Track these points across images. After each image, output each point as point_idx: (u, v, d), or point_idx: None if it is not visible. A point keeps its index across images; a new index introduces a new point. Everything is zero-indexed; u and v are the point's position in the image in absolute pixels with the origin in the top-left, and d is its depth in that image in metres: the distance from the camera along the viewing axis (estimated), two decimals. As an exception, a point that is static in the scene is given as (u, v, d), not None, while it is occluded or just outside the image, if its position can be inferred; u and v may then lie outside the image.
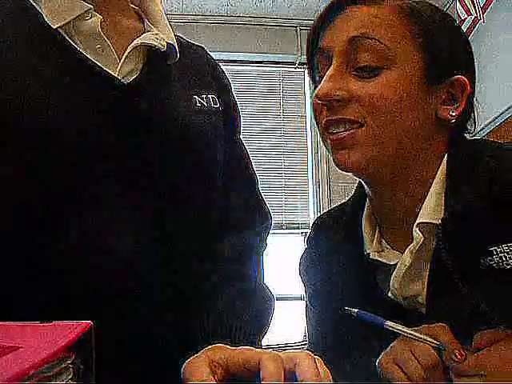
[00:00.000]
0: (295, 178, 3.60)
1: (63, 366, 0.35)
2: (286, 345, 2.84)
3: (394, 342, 0.68)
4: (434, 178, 0.72)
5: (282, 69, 3.74)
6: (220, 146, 0.76)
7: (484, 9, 2.36)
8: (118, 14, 0.72)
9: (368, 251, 0.78)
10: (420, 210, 0.71)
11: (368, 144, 0.70)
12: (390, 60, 0.70)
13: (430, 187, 0.72)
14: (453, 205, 0.67)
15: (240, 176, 0.83)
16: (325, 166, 3.56)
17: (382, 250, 0.78)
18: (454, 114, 0.72)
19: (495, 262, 0.64)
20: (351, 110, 0.70)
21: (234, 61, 3.71)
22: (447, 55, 0.72)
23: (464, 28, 2.52)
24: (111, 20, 0.70)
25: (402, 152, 0.71)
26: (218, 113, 0.77)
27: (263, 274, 0.82)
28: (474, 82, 0.75)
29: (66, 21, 0.64)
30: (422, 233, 0.70)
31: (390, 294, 0.74)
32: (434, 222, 0.69)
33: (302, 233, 3.57)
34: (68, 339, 0.35)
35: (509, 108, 2.68)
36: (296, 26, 3.66)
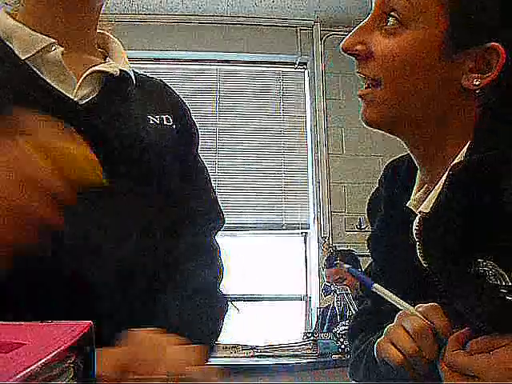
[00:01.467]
0: (295, 178, 3.60)
1: (65, 365, 0.35)
2: (287, 345, 2.84)
3: (390, 325, 0.68)
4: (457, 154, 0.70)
5: (282, 69, 3.75)
6: (172, 158, 0.85)
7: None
8: (81, 49, 0.85)
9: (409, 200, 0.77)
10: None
11: (384, 104, 0.70)
12: (415, 20, 0.68)
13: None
14: (446, 199, 0.65)
15: (195, 182, 0.92)
16: (325, 166, 3.56)
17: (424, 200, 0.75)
18: (477, 83, 0.68)
19: (477, 273, 0.62)
20: (370, 66, 0.71)
21: (234, 61, 3.71)
22: (479, 19, 0.68)
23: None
24: (75, 53, 0.82)
25: (421, 115, 0.70)
26: (172, 130, 0.87)
27: (219, 275, 0.91)
28: None
29: (32, 53, 0.77)
30: None
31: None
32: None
33: (301, 233, 3.57)
34: (70, 338, 0.35)
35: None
36: (296, 26, 3.66)
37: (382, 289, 0.67)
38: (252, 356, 2.97)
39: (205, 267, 0.86)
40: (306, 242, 3.59)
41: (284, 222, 3.51)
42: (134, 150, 0.80)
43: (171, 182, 0.84)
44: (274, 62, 3.73)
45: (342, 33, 3.68)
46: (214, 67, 3.69)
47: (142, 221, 0.79)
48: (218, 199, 0.94)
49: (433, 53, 0.68)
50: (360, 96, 0.73)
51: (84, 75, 0.79)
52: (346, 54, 0.73)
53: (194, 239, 0.86)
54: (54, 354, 0.33)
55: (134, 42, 3.57)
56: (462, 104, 0.70)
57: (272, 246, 4.00)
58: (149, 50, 3.60)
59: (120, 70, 0.84)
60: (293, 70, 3.74)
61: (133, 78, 0.88)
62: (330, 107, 3.64)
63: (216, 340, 0.83)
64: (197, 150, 0.95)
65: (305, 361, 2.26)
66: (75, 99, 0.78)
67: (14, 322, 0.40)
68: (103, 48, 0.92)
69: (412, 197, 0.77)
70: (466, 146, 0.69)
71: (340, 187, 3.53)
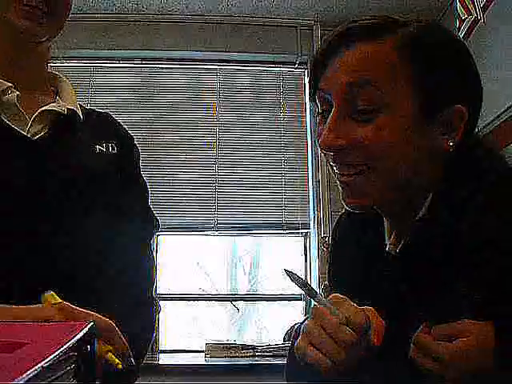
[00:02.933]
0: (295, 178, 3.59)
1: (66, 365, 0.35)
2: (286, 345, 2.84)
3: (306, 321, 0.68)
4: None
5: (282, 69, 3.74)
6: (114, 179, 0.99)
7: (484, 9, 2.36)
8: (33, 89, 0.96)
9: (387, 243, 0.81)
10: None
11: (371, 187, 0.73)
12: (386, 104, 0.71)
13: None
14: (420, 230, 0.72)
15: (133, 198, 1.04)
16: (325, 165, 3.56)
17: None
18: (451, 143, 0.73)
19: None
20: (353, 155, 0.73)
21: (234, 61, 3.71)
22: (447, 88, 0.72)
23: (464, 28, 2.52)
24: (27, 93, 0.94)
25: (404, 186, 0.74)
26: (116, 155, 1.01)
27: (151, 282, 1.08)
28: (478, 104, 0.76)
29: None
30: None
31: None
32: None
33: (301, 233, 3.57)
34: (70, 338, 0.35)
35: (508, 108, 2.69)
36: (296, 26, 3.66)
37: (322, 299, 0.68)
38: (252, 356, 2.97)
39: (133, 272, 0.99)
40: (306, 242, 3.58)
41: (284, 222, 3.51)
42: (81, 177, 0.93)
43: (113, 199, 0.97)
44: (274, 62, 3.73)
45: (342, 33, 3.68)
46: (214, 67, 3.69)
47: (85, 230, 0.91)
48: (152, 210, 1.08)
49: (408, 129, 0.71)
50: (344, 183, 0.75)
51: (34, 115, 0.91)
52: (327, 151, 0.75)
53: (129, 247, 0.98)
54: (56, 354, 0.33)
55: (135, 41, 3.57)
56: (430, 164, 0.74)
57: (272, 246, 4.00)
58: (149, 49, 3.60)
59: (67, 109, 0.96)
60: (293, 69, 3.73)
61: (80, 114, 1.00)
62: (330, 107, 3.64)
63: (147, 337, 0.97)
64: (139, 169, 1.09)
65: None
66: (28, 135, 0.91)
67: (15, 322, 0.40)
68: (54, 86, 1.03)
69: (387, 241, 0.81)
70: (430, 198, 0.74)
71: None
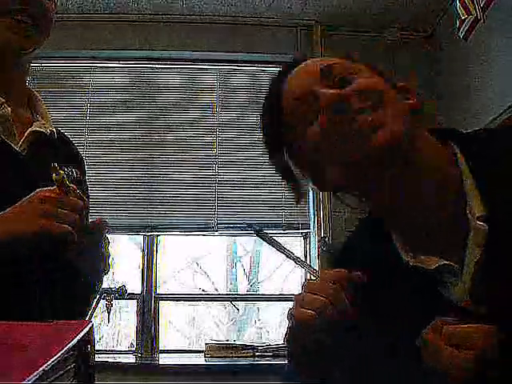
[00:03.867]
0: (295, 178, 3.59)
1: (66, 365, 0.35)
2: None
3: (295, 295, 0.75)
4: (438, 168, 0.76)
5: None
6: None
7: (484, 9, 2.36)
8: (18, 107, 1.05)
9: (407, 259, 0.78)
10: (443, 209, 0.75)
11: (390, 120, 0.73)
12: (358, 72, 0.78)
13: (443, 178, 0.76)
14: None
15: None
16: (325, 165, 3.55)
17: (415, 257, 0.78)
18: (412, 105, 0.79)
19: None
20: (359, 99, 0.74)
21: (234, 60, 3.71)
22: None
23: (464, 28, 2.52)
24: (15, 111, 1.01)
25: (409, 131, 0.75)
26: (76, 180, 1.07)
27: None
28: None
29: None
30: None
31: (457, 293, 0.74)
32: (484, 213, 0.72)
33: (301, 233, 3.57)
34: (71, 339, 0.35)
35: (508, 108, 2.69)
36: (296, 26, 3.66)
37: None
38: (252, 356, 2.97)
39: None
40: (305, 242, 3.58)
41: (284, 222, 3.51)
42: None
43: None
44: (274, 62, 3.73)
45: (342, 33, 3.68)
46: (214, 67, 3.69)
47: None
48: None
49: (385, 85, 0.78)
50: (364, 122, 0.73)
51: (26, 134, 1.00)
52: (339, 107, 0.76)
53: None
54: (57, 355, 0.33)
55: (134, 41, 3.57)
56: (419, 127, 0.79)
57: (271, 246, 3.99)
58: (149, 49, 3.60)
59: (49, 130, 1.06)
60: (293, 69, 3.73)
61: (55, 135, 1.09)
62: (329, 107, 3.63)
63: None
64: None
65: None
66: (19, 151, 0.99)
67: (15, 323, 0.40)
68: (29, 104, 1.10)
69: (403, 255, 0.79)
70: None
71: (340, 187, 3.53)
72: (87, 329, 0.40)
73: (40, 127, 1.04)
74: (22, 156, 0.99)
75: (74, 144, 1.20)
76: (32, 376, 0.29)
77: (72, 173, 1.07)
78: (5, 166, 0.95)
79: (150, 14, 3.54)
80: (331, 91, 0.74)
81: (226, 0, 3.46)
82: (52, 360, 0.32)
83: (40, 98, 1.13)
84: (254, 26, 3.66)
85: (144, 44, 3.59)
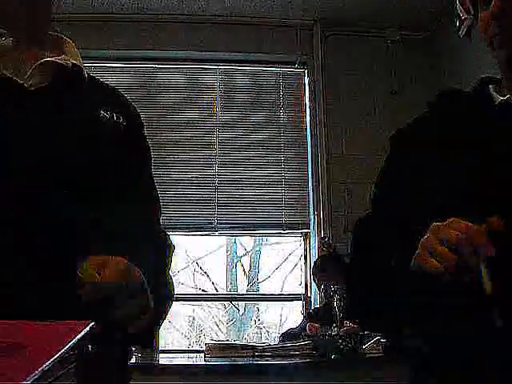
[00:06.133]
0: (295, 178, 3.60)
1: (66, 365, 0.35)
2: (287, 345, 2.84)
3: (423, 238, 0.73)
4: None
5: (282, 69, 3.74)
6: (118, 150, 0.90)
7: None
8: (34, 45, 0.89)
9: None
10: None
11: None
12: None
13: None
14: None
15: (139, 176, 1.00)
16: (325, 165, 3.56)
17: None
18: None
19: None
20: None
21: (234, 60, 3.71)
22: None
23: (464, 28, 2.52)
24: (27, 47, 0.87)
25: None
26: (121, 127, 0.93)
27: (166, 260, 0.96)
28: None
29: None
30: None
31: None
32: None
33: (301, 233, 3.57)
34: (71, 339, 0.35)
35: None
36: (296, 26, 3.66)
37: None
38: (252, 356, 2.97)
39: (154, 252, 0.89)
40: (305, 242, 3.58)
41: (284, 222, 3.51)
42: (79, 138, 0.84)
43: (113, 171, 0.88)
44: (274, 62, 3.73)
45: (343, 33, 3.68)
46: (214, 67, 3.69)
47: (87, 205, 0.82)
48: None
49: None
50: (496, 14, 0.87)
51: (35, 64, 0.84)
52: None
53: (144, 225, 0.91)
54: (57, 356, 0.33)
55: (134, 41, 3.57)
56: None
57: (272, 246, 4.00)
58: (149, 49, 3.60)
59: (72, 64, 0.89)
60: (293, 69, 3.73)
61: (84, 72, 0.92)
62: (329, 107, 3.64)
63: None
64: (148, 151, 1.05)
65: (305, 361, 2.26)
66: (25, 85, 0.84)
67: (14, 322, 0.40)
68: (58, 48, 0.96)
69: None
70: None
71: (340, 187, 3.53)
72: (87, 329, 0.40)
73: (56, 59, 0.88)
74: (31, 90, 0.84)
75: (125, 97, 1.03)
76: (32, 376, 0.29)
77: (112, 116, 0.92)
78: (5, 102, 0.82)
79: (151, 14, 3.54)
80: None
81: (226, 0, 3.46)
82: (52, 360, 0.32)
83: (70, 41, 0.99)
84: (254, 25, 3.66)
85: (144, 44, 3.59)
